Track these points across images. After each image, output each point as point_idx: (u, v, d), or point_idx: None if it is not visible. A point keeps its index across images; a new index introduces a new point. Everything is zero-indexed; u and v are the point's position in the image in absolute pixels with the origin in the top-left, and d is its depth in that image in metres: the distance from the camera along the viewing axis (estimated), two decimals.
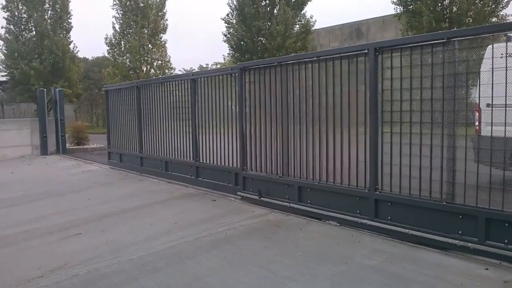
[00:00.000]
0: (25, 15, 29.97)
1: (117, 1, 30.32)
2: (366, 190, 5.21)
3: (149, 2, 30.53)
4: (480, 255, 4.15)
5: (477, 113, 5.86)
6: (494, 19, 17.72)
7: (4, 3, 29.51)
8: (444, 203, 4.46)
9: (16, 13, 29.84)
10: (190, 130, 8.58)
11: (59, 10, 30.57)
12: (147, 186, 8.88)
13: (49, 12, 30.51)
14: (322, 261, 4.25)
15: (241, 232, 5.35)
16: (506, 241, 4.01)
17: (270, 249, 4.70)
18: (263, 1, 25.14)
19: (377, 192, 5.08)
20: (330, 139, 5.67)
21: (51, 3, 30.45)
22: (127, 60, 30.42)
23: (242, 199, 7.09)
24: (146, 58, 30.78)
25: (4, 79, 31.73)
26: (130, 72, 29.93)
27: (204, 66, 39.12)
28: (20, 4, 29.86)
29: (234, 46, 25.99)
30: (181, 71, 34.43)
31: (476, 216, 4.21)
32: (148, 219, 6.19)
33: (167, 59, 31.85)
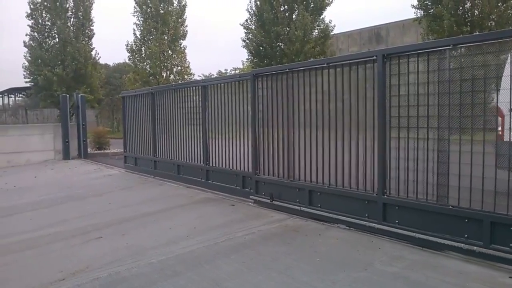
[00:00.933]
0: (48, 23, 30.56)
1: (137, 8, 30.74)
2: (375, 194, 5.29)
3: (169, 9, 30.84)
4: (485, 258, 4.18)
5: (500, 118, 5.74)
6: None
7: (28, 11, 30.24)
8: (450, 207, 4.51)
9: (40, 21, 30.48)
10: (201, 135, 8.86)
11: (81, 17, 31.12)
12: (166, 191, 8.97)
13: (72, 19, 31.06)
14: (342, 267, 4.22)
15: (260, 237, 5.36)
16: (511, 245, 4.04)
17: (289, 254, 4.69)
18: (282, 6, 25.16)
19: (385, 196, 5.17)
20: (340, 144, 5.76)
21: (74, 10, 30.99)
22: (148, 66, 30.75)
23: (254, 202, 7.21)
24: (166, 64, 31.08)
25: (27, 85, 32.43)
26: (150, 78, 30.26)
27: (223, 71, 39.30)
28: (44, 12, 30.48)
29: (253, 52, 26.05)
30: (200, 76, 34.68)
31: (481, 220, 4.26)
32: (168, 223, 6.24)
33: (187, 65, 32.10)
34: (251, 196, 7.31)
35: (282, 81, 6.65)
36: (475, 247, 4.26)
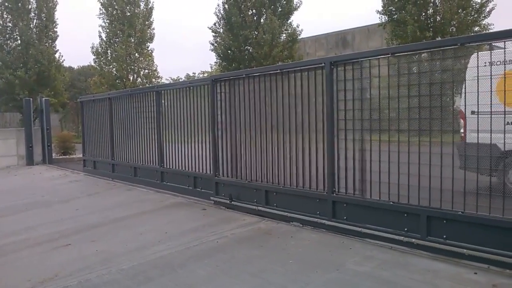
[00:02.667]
0: (10, 24, 29.56)
1: (103, 10, 30.19)
2: (325, 193, 5.64)
3: (136, 11, 30.46)
4: (423, 250, 4.53)
5: (462, 121, 6.00)
6: (476, 28, 18.08)
7: None
8: (391, 202, 4.84)
9: (1, 22, 29.43)
10: (156, 138, 9.14)
11: (44, 19, 30.25)
12: (136, 196, 8.84)
13: (35, 21, 30.15)
14: (314, 269, 4.28)
15: (233, 241, 5.36)
16: (444, 236, 4.41)
17: (262, 257, 4.72)
18: (250, 10, 25.28)
19: (334, 195, 5.50)
20: (293, 146, 6.09)
21: (36, 12, 30.12)
22: (114, 69, 30.27)
23: (214, 203, 7.39)
24: (132, 67, 30.67)
25: None
26: (117, 81, 29.75)
27: (191, 75, 39.09)
28: (5, 13, 29.48)
29: (221, 55, 26.03)
30: (168, 80, 34.42)
31: (418, 214, 4.60)
32: (139, 229, 6.16)
33: (154, 68, 31.78)
34: (211, 197, 7.50)
35: (239, 86, 6.91)
36: (413, 240, 4.61)
